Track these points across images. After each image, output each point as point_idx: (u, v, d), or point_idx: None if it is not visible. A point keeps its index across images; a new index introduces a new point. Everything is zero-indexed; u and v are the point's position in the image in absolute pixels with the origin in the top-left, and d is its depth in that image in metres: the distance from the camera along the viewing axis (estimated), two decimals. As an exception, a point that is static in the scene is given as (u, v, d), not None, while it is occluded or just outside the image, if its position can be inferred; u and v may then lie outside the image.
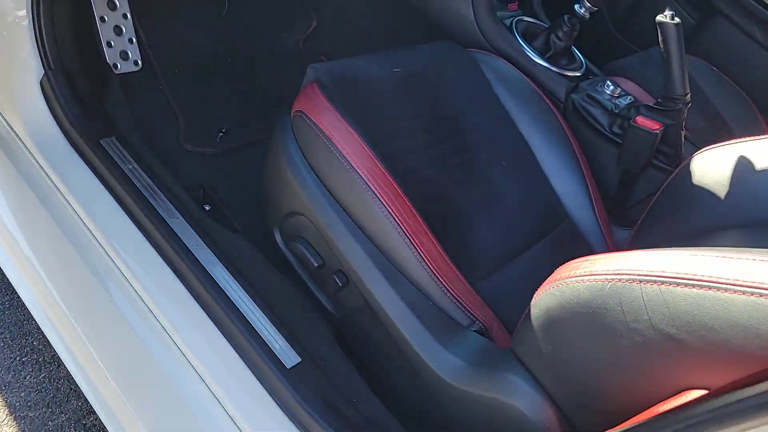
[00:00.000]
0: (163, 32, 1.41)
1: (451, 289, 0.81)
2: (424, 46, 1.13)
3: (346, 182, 0.83)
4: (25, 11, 0.94)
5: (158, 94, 1.32)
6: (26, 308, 1.13)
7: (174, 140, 1.22)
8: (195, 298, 0.86)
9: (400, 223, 0.80)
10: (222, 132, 1.28)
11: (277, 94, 1.44)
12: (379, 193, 0.80)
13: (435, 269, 0.80)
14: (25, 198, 1.03)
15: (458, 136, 1.03)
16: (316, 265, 0.86)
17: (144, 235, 0.92)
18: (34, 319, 1.10)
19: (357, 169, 0.82)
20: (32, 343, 1.15)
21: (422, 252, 0.80)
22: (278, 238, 0.94)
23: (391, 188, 0.81)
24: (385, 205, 0.80)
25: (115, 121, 1.06)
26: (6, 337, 1.14)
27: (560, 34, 1.22)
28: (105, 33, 1.25)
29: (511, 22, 1.29)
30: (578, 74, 1.24)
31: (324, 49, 1.53)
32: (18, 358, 1.12)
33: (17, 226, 1.09)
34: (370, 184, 0.81)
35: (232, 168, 1.22)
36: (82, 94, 1.03)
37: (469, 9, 1.24)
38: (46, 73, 0.98)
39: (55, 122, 0.99)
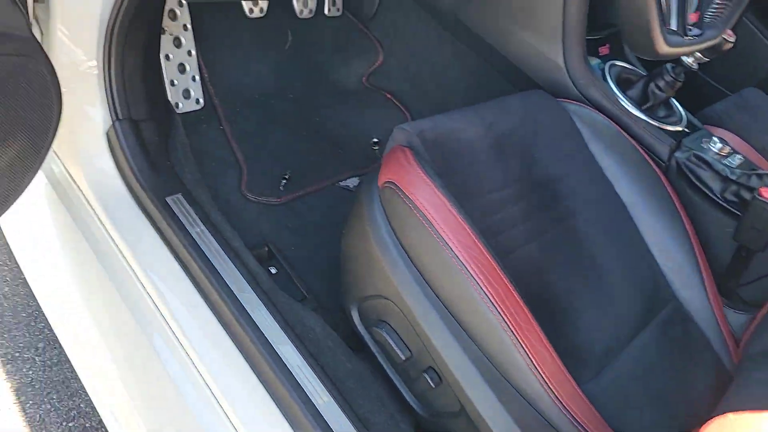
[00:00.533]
0: (226, 68, 1.34)
1: (561, 395, 0.71)
2: (513, 98, 1.03)
3: (446, 269, 0.73)
4: (96, 61, 0.87)
5: (219, 134, 1.25)
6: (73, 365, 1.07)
7: (236, 189, 1.15)
8: (264, 385, 0.78)
9: (507, 320, 0.70)
10: (285, 178, 1.20)
11: (339, 135, 1.36)
12: (484, 285, 0.71)
13: (545, 373, 0.70)
14: (83, 254, 0.97)
15: (555, 203, 0.92)
16: (403, 358, 0.77)
17: (211, 309, 0.84)
18: (80, 378, 1.03)
19: (459, 255, 0.72)
20: (79, 405, 1.09)
21: (531, 353, 0.70)
22: (356, 318, 0.84)
23: (497, 279, 0.71)
24: (491, 298, 0.70)
25: (181, 173, 0.98)
26: (53, 399, 1.08)
27: (661, 84, 1.11)
28: (169, 71, 1.19)
29: (603, 68, 1.18)
30: (680, 128, 1.12)
31: (390, 87, 1.44)
32: (65, 423, 1.06)
33: (72, 283, 1.02)
34: (474, 274, 0.71)
35: (297, 220, 1.14)
36: (149, 144, 0.96)
37: (558, 54, 1.13)
38: (113, 124, 0.91)
39: (120, 176, 0.92)
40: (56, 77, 0.69)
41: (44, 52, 0.66)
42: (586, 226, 0.92)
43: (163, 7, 0.97)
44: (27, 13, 0.66)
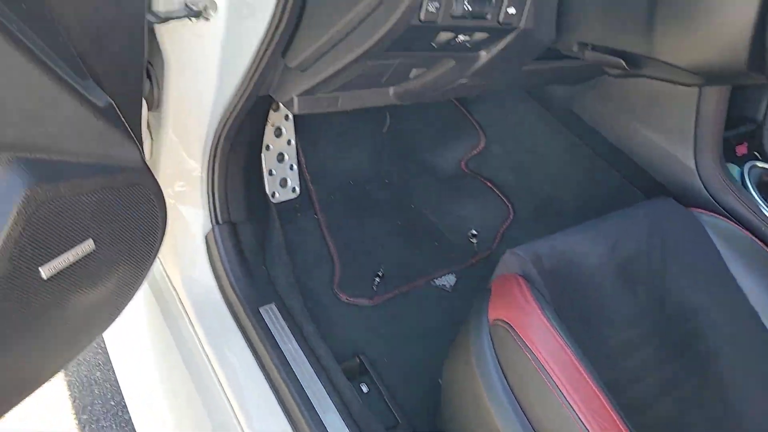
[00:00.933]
0: (322, 153, 1.32)
1: None
2: (638, 210, 0.91)
3: (564, 426, 0.63)
4: (199, 165, 0.87)
5: (314, 224, 1.22)
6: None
7: (328, 287, 1.10)
8: None
9: None
10: (378, 276, 1.14)
11: (435, 224, 1.29)
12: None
13: None
14: (172, 356, 0.95)
15: (693, 344, 0.79)
16: None
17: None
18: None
19: (584, 419, 0.62)
20: None
21: None
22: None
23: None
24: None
25: (275, 278, 0.95)
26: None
27: (817, 194, 0.96)
28: (268, 162, 1.18)
29: (742, 171, 1.04)
30: (840, 247, 0.96)
31: (491, 175, 1.37)
32: None
33: (158, 381, 1.00)
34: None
35: (390, 326, 1.07)
36: (245, 248, 0.93)
37: (689, 155, 1.01)
38: (212, 228, 0.89)
39: (216, 283, 0.90)
40: (163, 200, 0.67)
41: (154, 179, 0.64)
42: (732, 374, 0.78)
43: (270, 108, 0.96)
44: (141, 142, 0.65)
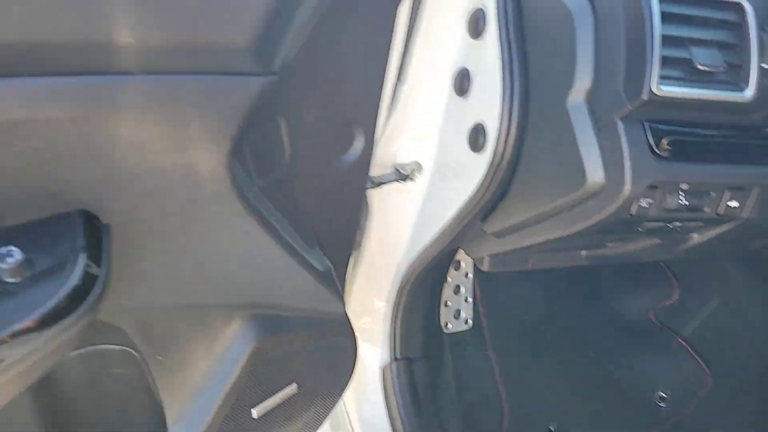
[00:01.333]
0: (499, 287, 1.32)
1: None
2: None
3: None
4: (385, 303, 0.92)
5: (484, 361, 1.20)
6: None
7: (495, 435, 1.06)
8: None
9: None
10: None
11: (615, 380, 1.19)
12: None
13: None
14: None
15: None
16: None
17: None
18: None
19: None
20: None
21: None
22: None
23: None
24: None
25: (445, 419, 0.94)
26: None
27: None
28: (445, 294, 1.21)
29: None
30: None
31: (683, 331, 1.23)
32: None
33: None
34: None
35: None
36: (419, 385, 0.95)
37: None
38: (390, 364, 0.93)
39: (388, 419, 0.91)
40: (356, 345, 0.72)
41: (353, 330, 0.69)
42: None
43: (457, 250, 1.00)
44: (342, 292, 0.71)
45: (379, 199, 0.87)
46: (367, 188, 0.76)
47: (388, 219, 0.87)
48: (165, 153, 0.40)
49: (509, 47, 0.62)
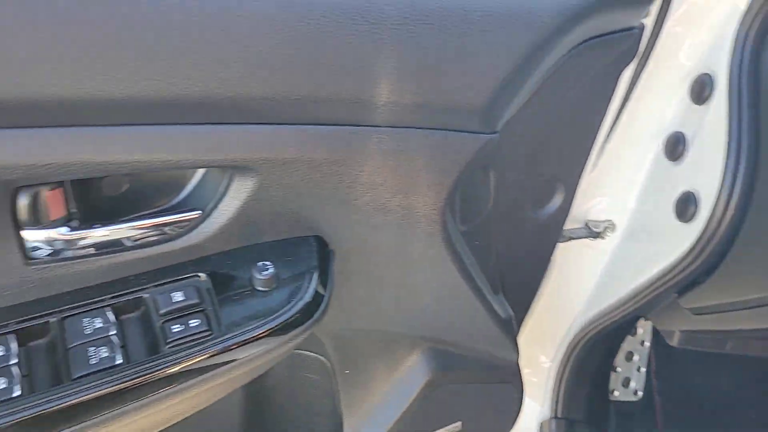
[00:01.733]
0: (679, 362, 1.20)
1: None
2: None
3: None
4: (550, 360, 0.90)
5: (652, 439, 1.10)
6: None
7: None
8: None
9: None
10: None
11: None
12: None
13: None
14: None
15: None
16: None
17: None
18: None
19: None
20: None
21: None
22: None
23: None
24: None
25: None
26: None
27: None
28: (616, 358, 1.14)
29: None
30: None
31: None
32: None
33: None
34: None
35: None
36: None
37: None
38: (549, 421, 0.90)
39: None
40: (523, 398, 0.71)
41: (522, 381, 0.69)
42: None
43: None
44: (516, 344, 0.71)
45: (562, 253, 0.85)
46: (558, 242, 0.76)
47: (569, 275, 0.85)
48: (393, 194, 0.45)
49: (738, 115, 0.57)
